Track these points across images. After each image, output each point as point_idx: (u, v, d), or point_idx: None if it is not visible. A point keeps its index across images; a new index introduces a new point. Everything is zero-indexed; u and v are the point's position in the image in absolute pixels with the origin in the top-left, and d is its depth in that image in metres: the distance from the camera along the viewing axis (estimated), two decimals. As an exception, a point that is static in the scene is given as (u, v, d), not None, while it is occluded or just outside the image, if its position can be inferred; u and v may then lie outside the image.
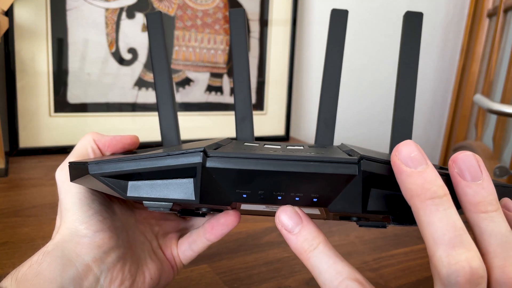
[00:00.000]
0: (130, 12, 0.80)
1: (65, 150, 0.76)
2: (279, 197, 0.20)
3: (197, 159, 0.19)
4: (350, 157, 0.19)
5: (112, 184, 0.21)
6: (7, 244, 0.41)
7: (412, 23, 0.30)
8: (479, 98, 0.72)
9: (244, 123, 0.32)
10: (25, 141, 0.73)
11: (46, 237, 0.43)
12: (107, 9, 0.78)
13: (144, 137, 0.83)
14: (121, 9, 0.79)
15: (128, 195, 0.21)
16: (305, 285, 0.37)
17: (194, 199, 0.20)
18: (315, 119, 1.09)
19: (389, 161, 0.19)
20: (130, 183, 0.21)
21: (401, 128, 0.29)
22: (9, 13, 0.68)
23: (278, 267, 0.40)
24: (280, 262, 0.41)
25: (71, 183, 0.24)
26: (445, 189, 0.17)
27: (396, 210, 0.20)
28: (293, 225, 0.20)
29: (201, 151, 0.19)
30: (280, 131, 0.99)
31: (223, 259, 0.40)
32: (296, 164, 0.19)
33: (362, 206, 0.20)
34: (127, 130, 0.82)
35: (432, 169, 0.18)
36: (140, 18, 0.81)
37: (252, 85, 0.94)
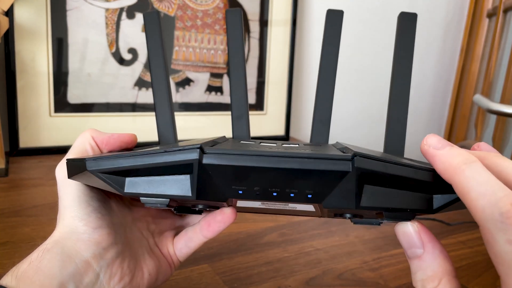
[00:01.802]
0: (130, 12, 0.80)
1: (65, 150, 0.76)
2: (274, 193, 0.20)
3: (193, 155, 0.20)
4: (344, 154, 0.20)
5: (110, 181, 0.21)
6: (7, 244, 0.41)
7: (407, 24, 0.30)
8: (479, 98, 0.72)
9: (240, 122, 0.33)
10: (25, 141, 0.73)
11: (46, 237, 0.43)
12: (107, 9, 0.78)
13: (144, 137, 0.83)
14: (121, 9, 0.79)
15: (125, 191, 0.21)
16: (305, 285, 0.37)
17: (190, 195, 0.20)
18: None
19: (383, 158, 0.19)
20: (128, 179, 0.21)
21: (395, 127, 0.29)
22: (9, 13, 0.68)
23: (278, 267, 0.40)
24: (280, 262, 0.41)
25: (70, 180, 0.24)
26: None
27: (389, 205, 0.20)
28: (444, 144, 0.20)
29: (197, 148, 0.20)
30: (280, 131, 0.99)
31: (223, 259, 0.41)
32: (291, 161, 0.19)
33: (355, 202, 0.20)
34: (127, 130, 0.82)
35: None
36: (140, 18, 0.81)
37: (252, 85, 0.94)
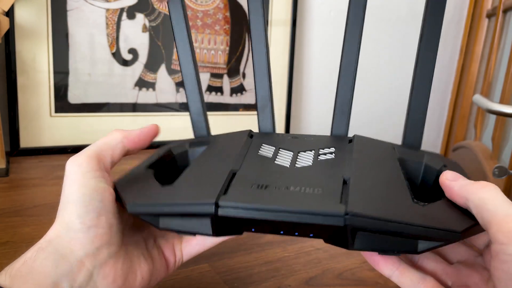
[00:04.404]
0: (131, 12, 0.80)
1: (66, 150, 0.76)
2: (281, 232, 0.24)
3: (209, 209, 0.23)
4: (338, 208, 0.22)
5: (148, 219, 0.26)
6: (7, 244, 0.41)
7: (435, 4, 0.30)
8: (478, 98, 0.72)
9: (264, 112, 0.37)
10: (26, 141, 0.73)
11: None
12: (107, 10, 0.78)
13: (144, 137, 0.84)
14: (122, 10, 0.79)
15: (160, 226, 0.26)
16: (305, 284, 0.37)
17: (211, 233, 0.25)
18: (315, 119, 1.09)
19: (376, 217, 0.21)
20: (161, 219, 0.26)
21: (415, 118, 0.32)
22: (9, 13, 0.68)
23: (278, 267, 0.40)
24: (280, 261, 0.41)
25: (79, 177, 0.25)
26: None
27: (380, 248, 0.23)
28: (458, 177, 0.24)
29: (212, 204, 0.23)
30: (280, 130, 0.99)
31: (224, 259, 0.41)
32: (293, 216, 0.22)
33: (349, 245, 0.23)
34: (127, 130, 0.82)
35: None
36: (140, 18, 0.81)
37: (252, 85, 0.94)
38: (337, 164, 0.28)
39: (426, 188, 0.30)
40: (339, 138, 0.34)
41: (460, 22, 1.29)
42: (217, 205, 0.23)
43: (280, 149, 0.31)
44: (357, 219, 0.21)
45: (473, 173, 1.13)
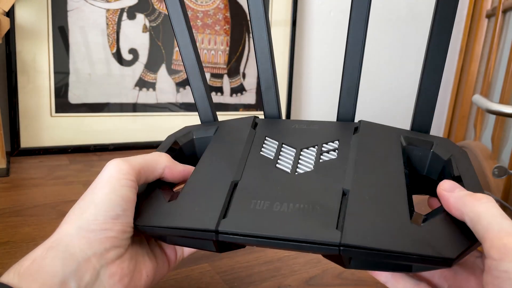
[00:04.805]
0: (131, 13, 0.80)
1: (66, 150, 0.76)
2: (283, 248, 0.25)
3: (210, 236, 0.25)
4: (333, 237, 0.23)
5: (155, 237, 0.29)
6: (8, 244, 0.41)
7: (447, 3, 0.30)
8: (478, 98, 0.72)
9: (268, 95, 0.35)
10: (26, 141, 0.74)
11: (47, 236, 0.43)
12: (108, 10, 0.78)
13: (145, 137, 0.84)
14: (122, 10, 0.79)
15: (168, 243, 0.29)
16: (305, 284, 0.37)
17: (216, 251, 0.27)
18: (315, 118, 1.09)
19: (370, 247, 0.22)
20: (168, 237, 0.28)
21: (425, 102, 0.31)
22: (10, 13, 0.68)
23: (278, 266, 0.40)
24: (280, 261, 0.41)
25: (113, 181, 0.25)
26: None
27: (375, 268, 0.25)
28: (455, 187, 0.24)
29: (212, 232, 0.24)
30: (279, 131, 0.99)
31: (224, 258, 0.41)
32: (290, 245, 0.23)
33: (345, 265, 0.24)
34: (127, 130, 0.82)
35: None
36: (140, 19, 0.81)
37: (252, 85, 0.95)
38: (338, 167, 0.28)
39: (433, 175, 0.30)
40: (345, 125, 0.33)
41: (459, 22, 1.29)
42: (217, 232, 0.24)
43: (283, 146, 0.31)
44: (351, 251, 0.22)
45: (473, 173, 1.13)
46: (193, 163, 0.32)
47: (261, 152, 0.30)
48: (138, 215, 0.27)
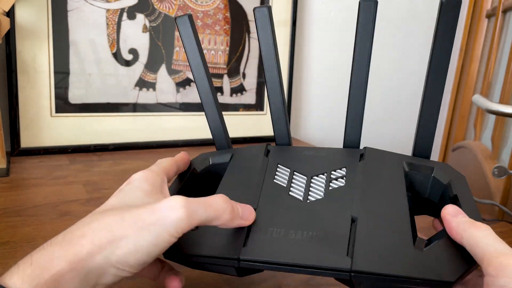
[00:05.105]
0: (131, 13, 0.80)
1: (66, 150, 0.76)
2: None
3: (233, 264, 0.27)
4: (344, 263, 0.25)
5: (181, 263, 0.31)
6: (8, 244, 0.41)
7: (449, 12, 0.32)
8: (478, 98, 0.72)
9: (279, 124, 0.38)
10: (26, 141, 0.74)
11: (47, 236, 0.43)
12: (108, 10, 0.78)
13: (145, 137, 0.84)
14: (122, 10, 0.79)
15: (192, 267, 0.31)
16: (305, 284, 0.38)
17: (236, 275, 0.29)
18: (315, 119, 1.10)
19: (377, 273, 0.24)
20: (193, 263, 0.30)
21: (425, 129, 0.34)
22: (10, 13, 0.68)
23: (278, 266, 0.40)
24: (280, 261, 0.41)
25: (163, 235, 0.24)
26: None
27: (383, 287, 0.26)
28: (458, 213, 0.27)
29: (234, 260, 0.27)
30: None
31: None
32: (305, 270, 0.26)
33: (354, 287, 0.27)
34: (127, 130, 0.82)
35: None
36: (140, 19, 0.81)
37: (252, 85, 0.95)
38: (346, 195, 0.30)
39: (434, 197, 0.33)
40: (351, 152, 0.35)
41: (459, 23, 1.29)
42: (239, 260, 0.27)
43: (295, 173, 0.33)
44: (360, 276, 0.25)
45: (473, 173, 1.13)
46: (210, 188, 0.36)
47: (274, 180, 0.33)
48: None
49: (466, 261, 0.25)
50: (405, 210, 0.29)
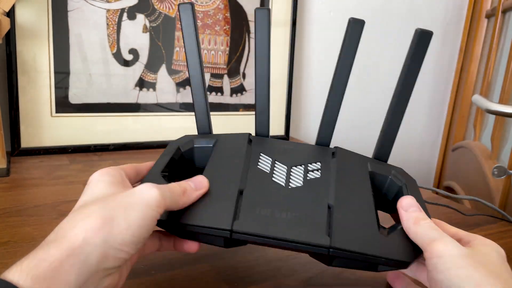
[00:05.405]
0: (131, 13, 0.80)
1: (67, 150, 0.76)
2: (277, 247, 0.31)
3: (226, 234, 0.30)
4: (324, 240, 0.29)
5: (173, 232, 0.33)
6: (8, 244, 0.41)
7: (420, 42, 0.37)
8: (478, 98, 0.72)
9: (261, 117, 0.41)
10: (26, 141, 0.74)
11: (47, 236, 0.43)
12: (108, 10, 0.78)
13: (145, 137, 0.84)
14: (122, 10, 0.79)
15: (182, 237, 0.33)
16: (305, 284, 0.38)
17: (223, 246, 0.32)
18: (314, 119, 1.10)
19: (351, 250, 0.29)
20: (184, 232, 0.32)
21: (387, 135, 0.39)
22: (10, 13, 0.68)
23: (278, 266, 0.40)
24: (281, 261, 0.41)
25: (147, 211, 0.27)
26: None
27: (351, 266, 0.32)
28: (409, 206, 0.33)
29: (228, 231, 0.30)
30: (280, 131, 0.99)
31: (224, 258, 0.41)
32: (291, 244, 0.30)
33: (328, 263, 0.32)
34: (128, 130, 0.82)
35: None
36: (141, 19, 0.81)
37: (252, 85, 0.95)
38: (322, 185, 0.35)
39: (389, 196, 0.38)
40: (324, 150, 0.41)
41: (459, 23, 1.29)
42: (232, 231, 0.30)
43: (276, 162, 0.37)
44: (337, 252, 0.29)
45: (473, 173, 1.13)
46: (191, 169, 0.39)
47: (258, 166, 0.36)
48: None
49: (418, 247, 0.31)
50: (371, 202, 0.34)
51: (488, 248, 0.28)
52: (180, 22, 0.39)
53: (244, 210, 0.31)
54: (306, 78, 1.06)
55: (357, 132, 1.16)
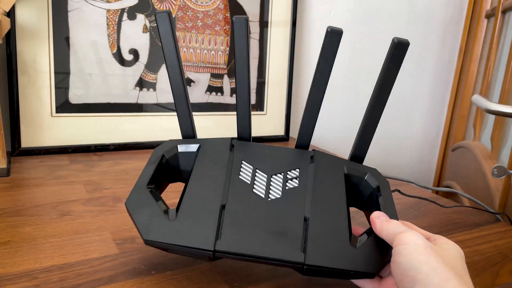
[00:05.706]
0: (131, 13, 0.80)
1: (67, 150, 0.77)
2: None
3: (208, 254, 0.33)
4: (299, 258, 0.33)
5: (159, 248, 0.35)
6: (9, 244, 0.41)
7: (397, 52, 0.38)
8: (477, 98, 0.72)
9: (243, 121, 0.43)
10: (27, 141, 0.74)
11: (47, 236, 0.44)
12: (108, 10, 0.78)
13: (145, 138, 0.84)
14: (122, 10, 0.79)
15: (169, 252, 0.35)
16: (305, 284, 0.38)
17: (208, 261, 0.36)
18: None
19: (323, 266, 0.33)
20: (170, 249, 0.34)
21: (364, 137, 0.42)
22: (10, 13, 0.68)
23: (278, 266, 0.40)
24: (280, 261, 0.41)
25: None
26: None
27: (325, 276, 0.34)
28: (380, 216, 0.36)
29: (210, 252, 0.32)
30: (279, 131, 0.99)
31: (224, 258, 0.41)
32: (269, 262, 0.33)
33: (303, 274, 0.34)
34: (128, 130, 0.82)
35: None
36: (141, 19, 0.81)
37: (252, 85, 0.95)
38: (300, 195, 0.38)
39: (363, 195, 0.42)
40: (302, 154, 0.43)
41: (459, 23, 1.29)
42: (214, 251, 0.32)
43: (257, 171, 0.39)
44: (311, 269, 0.33)
45: (473, 173, 1.13)
46: (177, 172, 0.41)
47: (240, 176, 0.38)
48: (146, 231, 0.33)
49: (385, 255, 0.34)
50: (344, 210, 0.37)
51: (450, 246, 0.32)
52: (158, 31, 0.39)
53: (226, 228, 0.34)
54: (306, 78, 1.06)
55: (355, 133, 1.16)
